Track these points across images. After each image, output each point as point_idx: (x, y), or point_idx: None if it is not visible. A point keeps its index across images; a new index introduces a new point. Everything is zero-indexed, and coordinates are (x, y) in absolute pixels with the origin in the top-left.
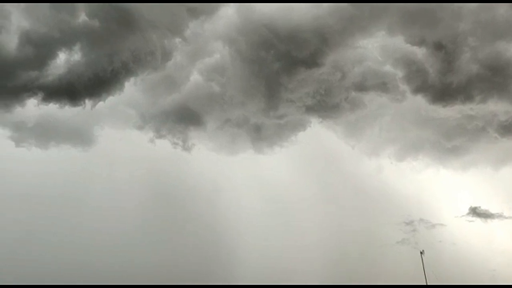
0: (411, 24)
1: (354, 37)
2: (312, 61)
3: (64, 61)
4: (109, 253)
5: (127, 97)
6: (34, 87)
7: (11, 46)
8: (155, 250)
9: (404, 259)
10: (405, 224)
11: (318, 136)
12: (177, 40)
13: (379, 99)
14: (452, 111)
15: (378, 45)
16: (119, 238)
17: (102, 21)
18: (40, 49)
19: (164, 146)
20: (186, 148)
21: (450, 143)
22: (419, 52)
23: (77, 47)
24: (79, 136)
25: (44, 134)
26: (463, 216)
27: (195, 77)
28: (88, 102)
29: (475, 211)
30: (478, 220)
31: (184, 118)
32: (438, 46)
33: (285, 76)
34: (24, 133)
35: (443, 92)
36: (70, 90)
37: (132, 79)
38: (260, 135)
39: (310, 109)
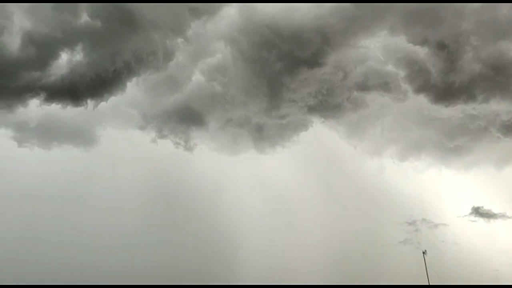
0: (413, 23)
1: (356, 37)
2: (314, 61)
3: (66, 61)
4: (111, 253)
5: (129, 97)
6: (37, 87)
7: (13, 46)
8: (157, 250)
9: (407, 259)
10: (408, 224)
11: (320, 136)
12: (179, 40)
13: (381, 99)
14: (455, 111)
15: (380, 45)
16: (121, 238)
17: (104, 22)
18: (42, 49)
19: (166, 146)
20: (188, 148)
21: (453, 143)
22: (421, 52)
23: (79, 48)
24: (81, 136)
25: (47, 134)
26: (465, 216)
27: (197, 77)
28: (90, 102)
29: (477, 211)
30: (480, 220)
31: (186, 118)
32: (441, 46)
33: (287, 76)
34: (27, 133)
35: (446, 91)
36: (72, 90)
37: (134, 79)
38: (262, 135)
39: (312, 109)
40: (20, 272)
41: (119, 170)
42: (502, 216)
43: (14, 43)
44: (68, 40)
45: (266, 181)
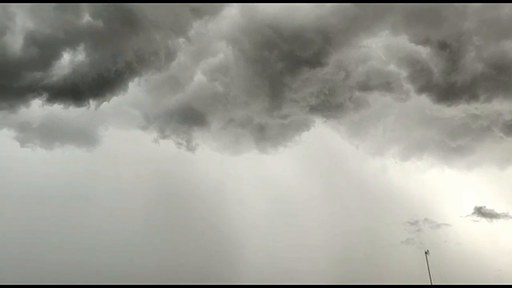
0: (415, 23)
1: (358, 37)
2: (315, 61)
3: (68, 61)
4: (113, 253)
5: (131, 98)
6: (39, 87)
7: (16, 47)
8: (159, 250)
9: (409, 259)
10: (410, 224)
11: (322, 136)
12: (181, 40)
13: (383, 99)
14: (457, 111)
15: (382, 45)
16: (123, 238)
17: (106, 22)
18: (45, 49)
19: (168, 146)
20: (190, 148)
21: (455, 143)
22: (424, 51)
23: (81, 48)
24: (84, 137)
25: (49, 134)
26: (468, 216)
27: (199, 77)
28: (92, 103)
29: (480, 211)
30: (483, 220)
31: (188, 118)
32: (443, 45)
33: (288, 76)
34: (29, 133)
35: (448, 91)
36: (75, 91)
37: (136, 79)
38: (264, 135)
39: (314, 109)
40: (22, 272)
41: (121, 170)
42: (505, 216)
43: (16, 44)
44: (70, 40)
45: (268, 181)
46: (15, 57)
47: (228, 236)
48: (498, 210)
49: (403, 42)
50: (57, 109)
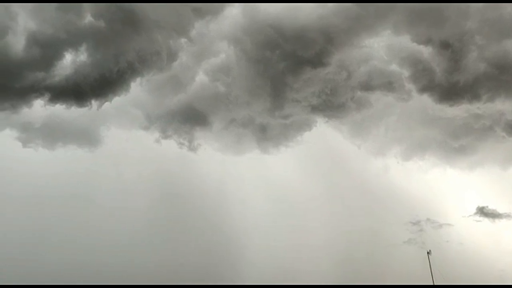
0: (417, 23)
1: (360, 37)
2: (317, 61)
3: (70, 61)
4: (114, 253)
5: (133, 98)
6: (41, 88)
7: (18, 47)
8: (160, 250)
9: (411, 259)
10: (412, 224)
11: (324, 136)
12: (183, 40)
13: (385, 99)
14: (459, 110)
15: (384, 44)
16: (125, 238)
17: (108, 22)
18: (47, 50)
19: (170, 147)
20: (192, 149)
21: (457, 143)
22: (426, 51)
23: (83, 48)
24: (86, 137)
25: (51, 134)
26: (470, 216)
27: (201, 77)
28: (94, 103)
29: (482, 211)
30: (485, 220)
31: (190, 118)
32: (445, 45)
33: (290, 76)
34: (31, 133)
35: (450, 91)
36: (77, 91)
37: (138, 80)
38: (265, 135)
39: (316, 109)
40: (23, 272)
41: (123, 171)
42: (508, 216)
43: (18, 44)
44: (72, 40)
45: (270, 181)
46: (17, 58)
47: (229, 236)
48: (500, 210)
49: (405, 41)
50: (59, 109)
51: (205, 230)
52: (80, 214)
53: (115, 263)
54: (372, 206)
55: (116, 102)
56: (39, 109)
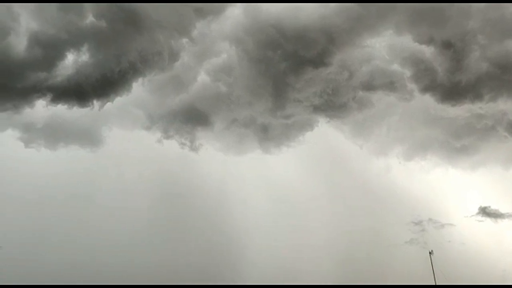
0: (419, 22)
1: (362, 36)
2: (319, 61)
3: (72, 62)
4: (116, 253)
5: (135, 98)
6: (43, 88)
7: (20, 47)
8: (162, 249)
9: (413, 259)
10: (414, 224)
11: (326, 136)
12: (184, 40)
13: (387, 99)
14: (461, 110)
15: (385, 44)
16: (126, 238)
17: (110, 22)
18: (49, 50)
19: (172, 147)
20: (194, 149)
21: (459, 143)
22: (427, 51)
23: (85, 48)
24: (88, 137)
25: (53, 135)
26: (472, 216)
27: (202, 77)
28: (96, 103)
29: (484, 211)
30: (487, 220)
31: (192, 118)
32: (447, 45)
33: (292, 76)
34: (33, 134)
35: (452, 91)
36: (78, 91)
37: (139, 80)
38: (267, 135)
39: (318, 109)
40: (23, 272)
41: (125, 171)
42: (510, 216)
43: (20, 44)
44: (74, 41)
45: (272, 181)
46: (19, 58)
47: (230, 236)
48: (502, 210)
49: (407, 41)
50: (61, 109)
51: (206, 230)
52: (81, 214)
53: (115, 263)
54: (373, 206)
55: (118, 102)
56: (41, 109)
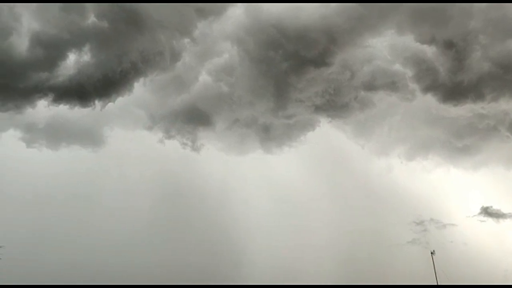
0: (420, 22)
1: (363, 36)
2: (321, 61)
3: (73, 62)
4: (117, 252)
5: (137, 98)
6: (45, 88)
7: (22, 48)
8: (162, 250)
9: (415, 259)
10: (416, 224)
11: (327, 135)
12: (186, 40)
13: (388, 98)
14: (463, 110)
15: (387, 44)
16: (128, 237)
17: (111, 22)
18: (50, 50)
19: (174, 147)
20: (195, 149)
21: (461, 142)
22: (429, 51)
23: (86, 48)
24: (89, 137)
25: (55, 135)
26: (474, 216)
27: (204, 78)
28: (98, 103)
29: (486, 211)
30: (490, 220)
31: (193, 118)
32: (449, 45)
33: (293, 76)
34: (35, 134)
35: (454, 90)
36: (80, 91)
37: (141, 80)
38: (269, 135)
39: (319, 109)
40: (23, 272)
41: (127, 171)
42: None
43: (22, 45)
44: (76, 41)
45: (273, 181)
46: (21, 58)
47: (232, 235)
48: (504, 210)
49: (409, 41)
50: (63, 109)
51: (207, 230)
52: (82, 214)
53: (115, 263)
54: (375, 206)
55: (120, 102)
56: (43, 109)
